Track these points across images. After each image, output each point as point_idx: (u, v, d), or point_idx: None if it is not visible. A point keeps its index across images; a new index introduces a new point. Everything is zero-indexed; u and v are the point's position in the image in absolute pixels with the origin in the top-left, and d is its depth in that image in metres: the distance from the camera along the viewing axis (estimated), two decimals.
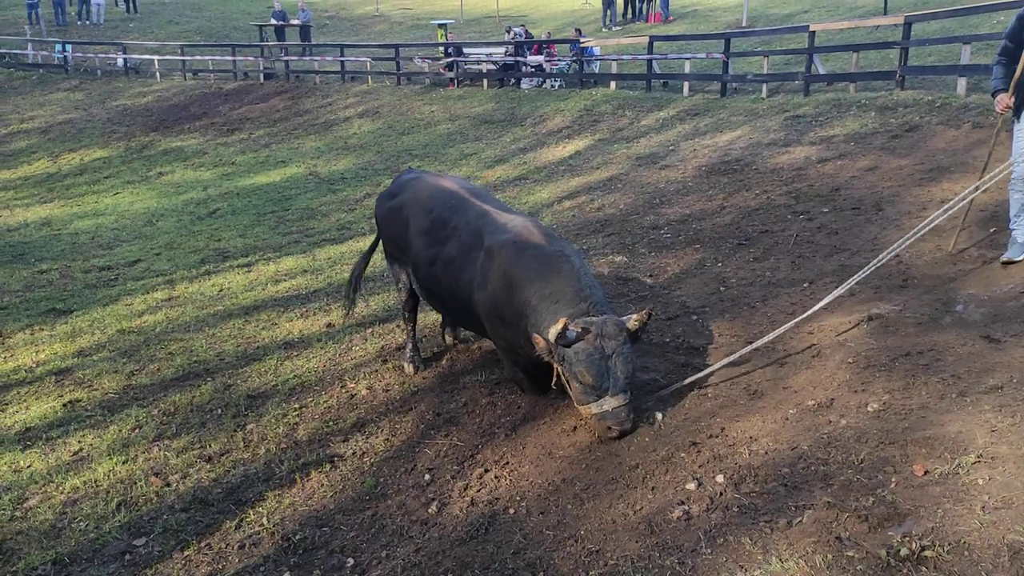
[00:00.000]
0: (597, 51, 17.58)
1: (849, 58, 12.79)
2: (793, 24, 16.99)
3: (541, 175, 11.64)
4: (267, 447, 4.83)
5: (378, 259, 6.40)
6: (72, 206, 13.61)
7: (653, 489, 3.71)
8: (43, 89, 23.09)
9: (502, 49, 18.91)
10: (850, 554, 2.89)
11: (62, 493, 4.50)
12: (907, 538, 2.86)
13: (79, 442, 5.08)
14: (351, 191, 12.47)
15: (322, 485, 4.37)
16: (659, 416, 4.33)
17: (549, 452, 4.28)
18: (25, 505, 4.42)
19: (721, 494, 3.51)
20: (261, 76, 21.61)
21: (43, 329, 7.35)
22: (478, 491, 4.07)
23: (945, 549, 2.77)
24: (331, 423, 5.05)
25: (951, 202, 5.26)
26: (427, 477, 4.30)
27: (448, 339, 5.99)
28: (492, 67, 18.66)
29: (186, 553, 3.89)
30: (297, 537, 3.91)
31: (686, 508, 3.48)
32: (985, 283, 5.08)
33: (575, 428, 4.45)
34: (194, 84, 22.02)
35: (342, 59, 20.74)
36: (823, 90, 12.50)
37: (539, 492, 3.94)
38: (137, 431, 5.17)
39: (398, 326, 6.31)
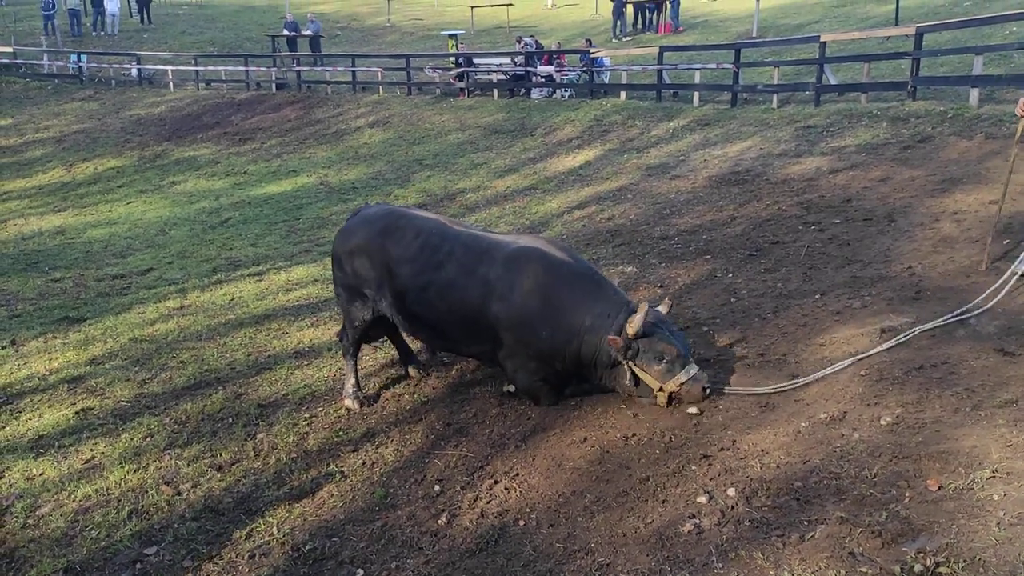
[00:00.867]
0: (607, 61, 17.61)
1: (860, 69, 12.76)
2: (804, 34, 16.95)
3: (551, 185, 11.66)
4: (277, 456, 4.85)
5: None
6: (86, 215, 13.72)
7: (664, 502, 3.70)
8: (58, 99, 23.32)
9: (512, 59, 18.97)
10: (863, 570, 2.87)
11: (74, 501, 4.53)
12: (921, 554, 2.84)
13: (91, 450, 5.11)
14: (362, 200, 12.50)
15: (332, 495, 4.38)
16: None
17: (559, 464, 4.27)
18: (37, 513, 4.44)
19: (732, 508, 3.50)
20: (273, 86, 21.75)
21: (56, 337, 7.40)
22: (488, 503, 4.07)
23: (960, 566, 2.75)
24: (341, 433, 5.06)
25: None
26: (437, 488, 4.30)
27: (412, 372, 5.77)
28: (502, 77, 18.73)
29: (197, 563, 3.90)
30: (307, 547, 3.92)
31: (697, 522, 3.47)
32: (999, 295, 5.05)
33: (585, 440, 4.44)
34: (207, 94, 22.20)
35: (353, 69, 20.85)
36: (834, 100, 12.46)
37: (549, 504, 3.94)
38: (149, 439, 5.20)
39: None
